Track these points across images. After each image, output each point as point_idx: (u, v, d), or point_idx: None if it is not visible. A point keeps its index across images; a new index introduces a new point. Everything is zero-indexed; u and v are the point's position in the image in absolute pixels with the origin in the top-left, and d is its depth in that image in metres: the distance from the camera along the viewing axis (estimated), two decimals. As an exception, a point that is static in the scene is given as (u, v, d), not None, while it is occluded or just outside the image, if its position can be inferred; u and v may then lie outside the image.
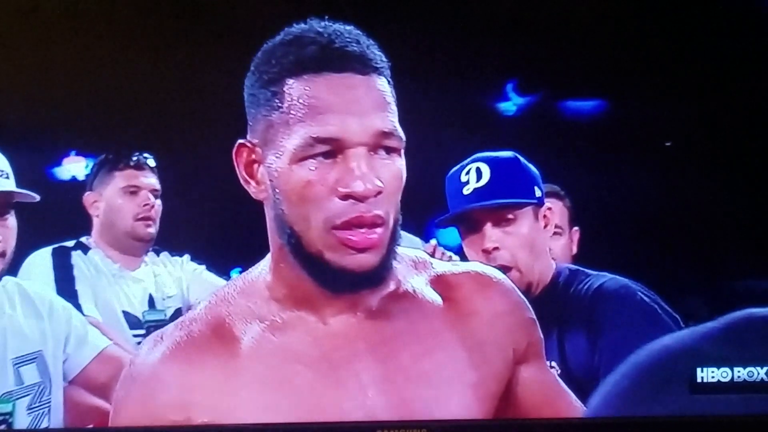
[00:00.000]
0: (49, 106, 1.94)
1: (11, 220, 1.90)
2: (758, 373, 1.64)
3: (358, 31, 1.39)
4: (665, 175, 1.94)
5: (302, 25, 1.40)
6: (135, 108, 1.93)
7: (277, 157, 1.37)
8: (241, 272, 1.53)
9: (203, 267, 2.13)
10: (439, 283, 1.51)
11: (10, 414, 1.84)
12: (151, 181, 2.12)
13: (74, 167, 2.08)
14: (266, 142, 1.38)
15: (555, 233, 2.03)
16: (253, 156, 1.41)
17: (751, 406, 1.61)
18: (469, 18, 1.92)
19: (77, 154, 2.07)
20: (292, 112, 1.35)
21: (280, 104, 1.36)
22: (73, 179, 2.08)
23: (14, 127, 1.92)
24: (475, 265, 1.58)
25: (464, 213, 1.92)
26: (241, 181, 1.44)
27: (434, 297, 1.49)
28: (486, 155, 1.92)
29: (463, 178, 1.92)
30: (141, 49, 1.91)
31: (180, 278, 2.15)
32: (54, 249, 2.09)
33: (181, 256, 2.16)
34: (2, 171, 1.89)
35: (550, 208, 1.96)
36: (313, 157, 1.34)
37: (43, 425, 1.89)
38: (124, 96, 1.92)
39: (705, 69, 1.91)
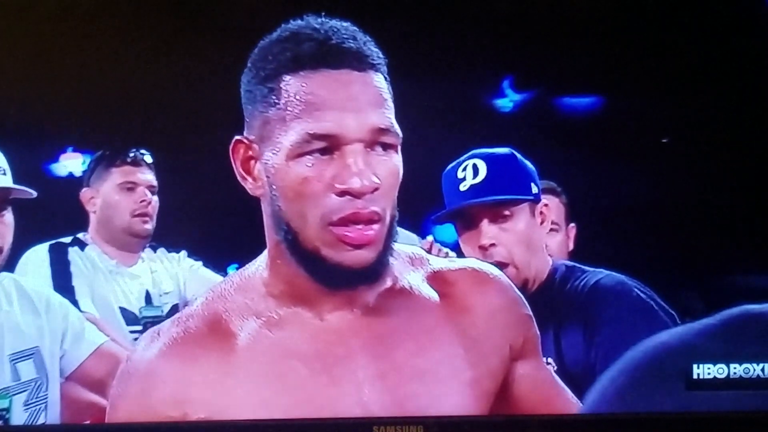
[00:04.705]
0: (46, 103, 1.94)
1: (8, 216, 1.90)
2: (754, 370, 1.64)
3: (355, 28, 1.40)
4: (662, 172, 1.94)
5: (299, 22, 1.40)
6: (132, 104, 1.92)
7: (273, 154, 1.37)
8: (237, 268, 1.53)
9: (200, 263, 2.13)
10: (436, 279, 1.52)
11: (7, 410, 1.84)
12: (148, 177, 2.11)
13: (71, 163, 2.07)
14: (263, 138, 1.38)
15: (551, 230, 2.03)
16: (250, 152, 1.42)
17: (746, 402, 1.62)
18: (465, 14, 1.92)
19: (74, 151, 2.07)
20: (288, 108, 1.35)
21: (276, 101, 1.36)
22: (70, 175, 2.08)
23: (11, 123, 1.92)
24: (471, 262, 1.59)
25: (461, 209, 1.92)
26: (238, 177, 1.44)
27: (431, 293, 1.50)
28: (482, 152, 1.92)
29: (460, 175, 1.92)
30: (138, 45, 1.91)
31: (177, 274, 2.15)
32: (51, 245, 2.09)
33: (178, 252, 2.16)
34: (-1, 167, 1.90)
35: (546, 205, 1.96)
36: (309, 153, 1.34)
37: (40, 421, 1.89)
38: (121, 92, 1.92)
39: (702, 65, 1.91)
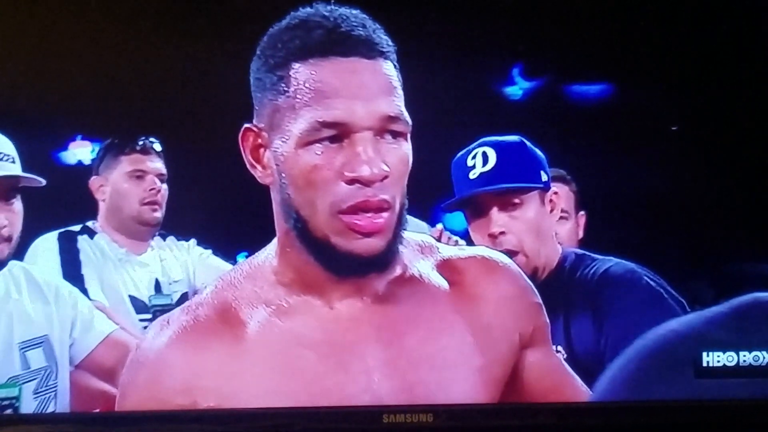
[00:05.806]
0: (54, 91, 1.93)
1: (17, 204, 1.90)
2: (764, 358, 1.64)
3: (364, 15, 1.39)
4: (671, 160, 1.93)
5: (308, 9, 1.40)
6: (141, 92, 1.92)
7: (283, 142, 1.37)
8: (247, 257, 1.53)
9: (209, 251, 2.13)
10: (446, 267, 1.51)
11: (17, 398, 1.84)
12: (158, 165, 2.11)
13: (80, 152, 2.07)
14: (272, 126, 1.38)
15: (561, 217, 2.03)
16: (260, 140, 1.41)
17: (756, 390, 1.62)
18: (475, 1, 1.91)
19: (83, 139, 2.07)
20: (298, 96, 1.34)
21: (286, 88, 1.36)
22: (79, 163, 2.08)
23: (20, 111, 1.92)
24: (481, 250, 1.59)
25: (470, 197, 1.92)
26: (248, 165, 1.44)
27: (440, 281, 1.50)
28: (492, 139, 1.92)
29: (470, 163, 1.91)
30: (147, 32, 1.91)
31: (186, 263, 2.15)
32: (60, 233, 2.09)
33: (187, 240, 2.16)
34: (8, 155, 1.89)
35: (556, 193, 1.96)
36: (319, 141, 1.34)
37: (50, 409, 1.89)
38: (130, 80, 1.91)
39: (712, 53, 1.90)
